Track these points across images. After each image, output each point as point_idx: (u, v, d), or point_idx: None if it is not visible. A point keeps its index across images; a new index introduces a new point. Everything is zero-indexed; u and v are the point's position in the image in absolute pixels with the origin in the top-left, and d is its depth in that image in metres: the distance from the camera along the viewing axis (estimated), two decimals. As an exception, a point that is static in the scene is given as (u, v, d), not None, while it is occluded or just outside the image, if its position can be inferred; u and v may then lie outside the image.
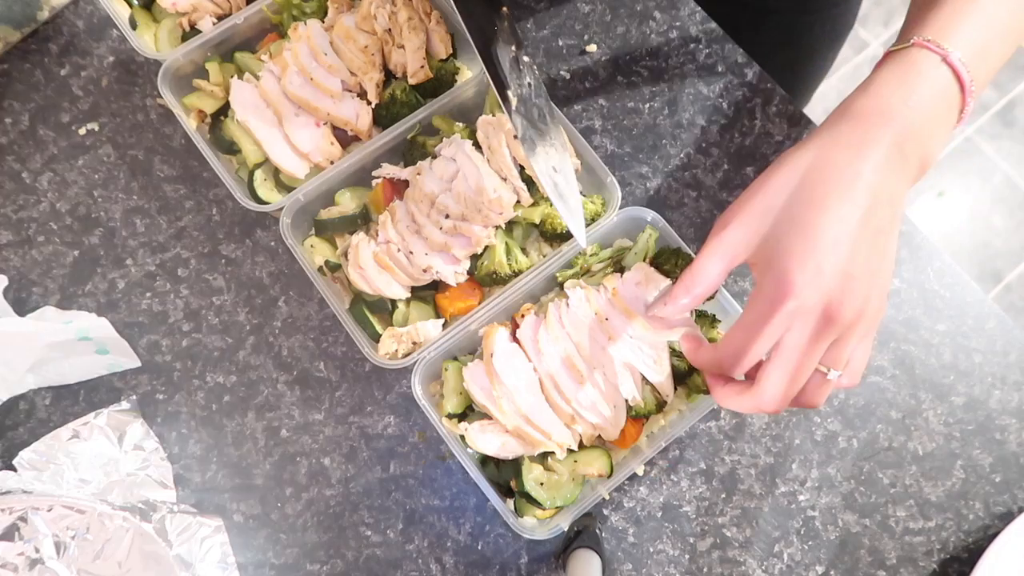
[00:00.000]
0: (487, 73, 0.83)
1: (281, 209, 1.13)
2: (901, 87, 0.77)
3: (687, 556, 1.09)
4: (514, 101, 0.83)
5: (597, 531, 1.09)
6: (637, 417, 1.06)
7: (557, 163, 0.90)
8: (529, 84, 0.84)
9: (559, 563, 1.08)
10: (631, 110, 1.29)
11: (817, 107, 2.95)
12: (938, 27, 0.79)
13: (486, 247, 1.12)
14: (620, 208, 1.12)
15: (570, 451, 1.04)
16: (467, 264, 1.12)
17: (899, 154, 0.77)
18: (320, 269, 1.14)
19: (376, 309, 1.13)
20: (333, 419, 1.16)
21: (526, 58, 0.83)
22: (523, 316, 1.07)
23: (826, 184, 0.75)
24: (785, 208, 0.76)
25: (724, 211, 0.81)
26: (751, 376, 0.82)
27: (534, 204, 1.14)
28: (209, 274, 1.22)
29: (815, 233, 0.74)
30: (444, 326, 1.12)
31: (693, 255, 1.08)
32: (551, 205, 1.13)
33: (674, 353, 1.06)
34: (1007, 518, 1.10)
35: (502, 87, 0.83)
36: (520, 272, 1.12)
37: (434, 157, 1.14)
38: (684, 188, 1.25)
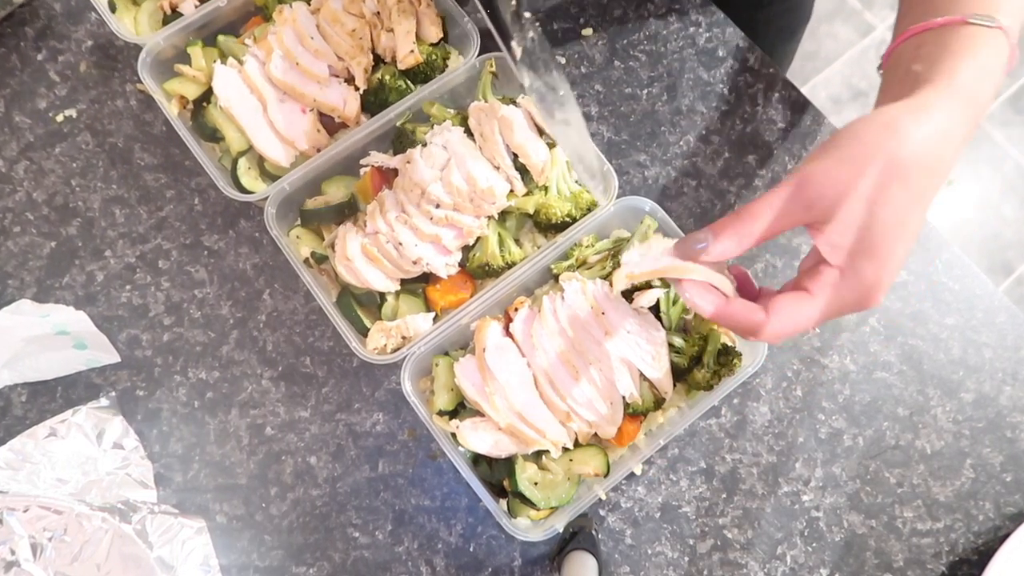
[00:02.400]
0: (488, 21, 0.82)
1: (266, 199, 1.12)
2: (976, 70, 0.78)
3: (686, 558, 1.09)
4: (519, 52, 0.82)
5: (593, 532, 1.08)
6: (635, 414, 1.05)
7: (570, 117, 0.90)
8: (532, 38, 0.83)
9: (554, 566, 1.08)
10: (628, 96, 1.28)
11: (821, 93, 2.95)
12: (979, 2, 0.80)
13: (478, 238, 1.12)
14: (617, 198, 1.11)
15: (565, 449, 1.04)
16: (458, 256, 1.13)
17: (972, 134, 0.79)
18: (306, 261, 1.13)
19: (364, 302, 1.13)
20: (319, 416, 1.15)
21: (527, 14, 0.82)
22: (517, 309, 1.07)
23: (931, 178, 0.75)
24: (888, 195, 0.73)
25: (811, 159, 0.76)
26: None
27: (528, 193, 1.13)
28: (191, 266, 1.22)
29: (910, 237, 0.75)
30: (435, 320, 1.12)
31: None
32: (546, 194, 1.12)
33: (673, 349, 1.06)
34: (1018, 519, 1.10)
35: (506, 37, 0.82)
36: (513, 264, 1.12)
37: (424, 145, 1.14)
38: (684, 177, 1.25)
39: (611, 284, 0.98)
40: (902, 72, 0.82)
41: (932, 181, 0.74)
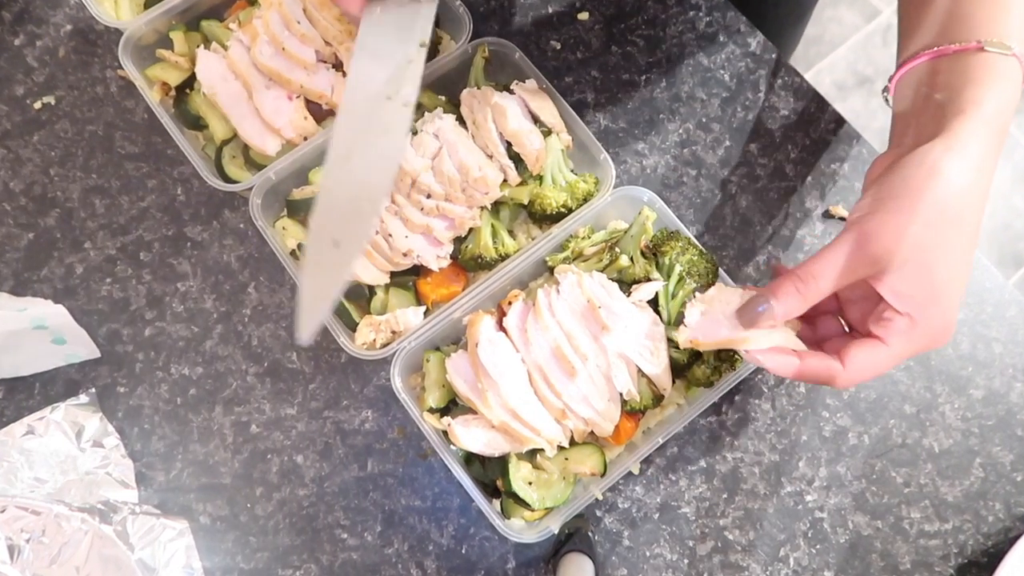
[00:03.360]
0: None
1: (251, 188, 1.11)
2: (999, 98, 0.81)
3: (686, 560, 1.08)
4: None
5: (590, 534, 1.08)
6: (632, 412, 1.05)
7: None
8: None
9: (549, 568, 1.07)
10: (626, 83, 1.27)
11: (825, 79, 2.93)
12: (990, 27, 0.83)
13: (470, 229, 1.11)
14: (614, 188, 1.11)
15: (561, 448, 1.03)
16: (450, 248, 1.12)
17: (998, 162, 0.84)
18: (293, 253, 1.13)
19: (352, 296, 1.12)
20: (306, 414, 1.14)
21: None
22: (510, 303, 1.06)
23: (977, 214, 0.80)
24: (945, 239, 0.78)
25: (867, 213, 0.80)
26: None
27: (522, 183, 1.13)
28: (174, 258, 1.21)
29: (967, 273, 0.81)
30: (425, 314, 1.11)
31: (693, 238, 1.07)
32: (541, 183, 1.12)
33: (672, 344, 1.05)
34: (1029, 520, 1.10)
35: None
36: (507, 256, 1.11)
37: (415, 133, 1.13)
38: (683, 166, 1.24)
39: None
40: (921, 100, 0.85)
41: (978, 216, 0.79)
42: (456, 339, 1.12)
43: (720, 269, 1.08)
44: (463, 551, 1.09)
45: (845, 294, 0.89)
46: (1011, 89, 0.82)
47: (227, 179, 1.15)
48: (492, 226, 1.12)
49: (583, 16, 1.31)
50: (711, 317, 0.91)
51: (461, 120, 1.14)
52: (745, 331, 0.87)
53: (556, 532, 1.02)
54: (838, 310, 0.92)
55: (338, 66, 1.18)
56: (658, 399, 1.05)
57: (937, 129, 0.80)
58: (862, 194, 0.83)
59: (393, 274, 1.12)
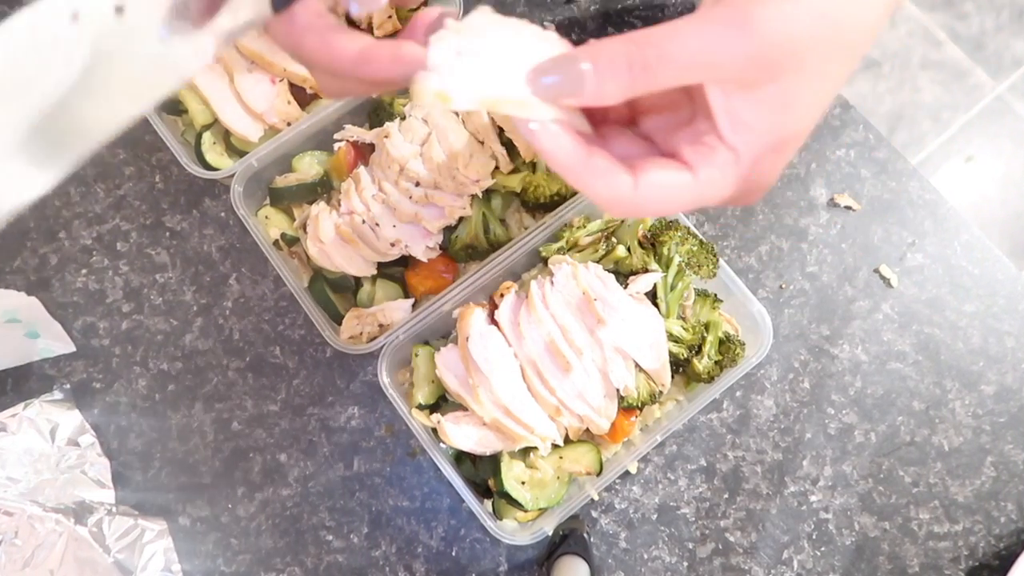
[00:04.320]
0: None
1: (232, 176, 1.11)
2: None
3: (685, 563, 1.08)
4: None
5: (585, 535, 1.07)
6: (629, 408, 1.04)
7: None
8: None
9: (543, 571, 1.06)
10: None
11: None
12: None
13: (461, 218, 1.11)
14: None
15: (555, 446, 1.03)
16: (440, 237, 1.11)
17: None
18: (276, 243, 1.13)
19: (338, 288, 1.12)
20: (290, 410, 1.14)
21: None
22: (502, 296, 1.05)
23: (855, 58, 0.59)
24: (830, 67, 0.57)
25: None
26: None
27: (515, 170, 1.12)
28: (152, 248, 1.20)
29: (811, 127, 0.61)
30: (414, 307, 1.11)
31: (692, 227, 1.07)
32: (534, 171, 1.11)
33: (671, 337, 1.04)
34: (1042, 521, 1.09)
35: None
36: (499, 246, 1.10)
37: (403, 118, 1.12)
38: (683, 153, 1.22)
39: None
40: None
41: (854, 64, 0.60)
42: (446, 333, 1.12)
43: (721, 260, 1.07)
44: (453, 553, 1.09)
45: (648, 99, 0.64)
46: None
47: (207, 166, 1.14)
48: (483, 215, 1.11)
49: (579, -3, 1.29)
50: (474, 61, 0.56)
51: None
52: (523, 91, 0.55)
53: (550, 534, 1.03)
54: (630, 120, 0.66)
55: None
56: (656, 395, 1.05)
57: None
58: None
59: (380, 265, 1.11)
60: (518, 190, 1.12)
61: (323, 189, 1.14)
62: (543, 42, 0.56)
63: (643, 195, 0.57)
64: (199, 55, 0.51)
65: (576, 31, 1.27)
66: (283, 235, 1.13)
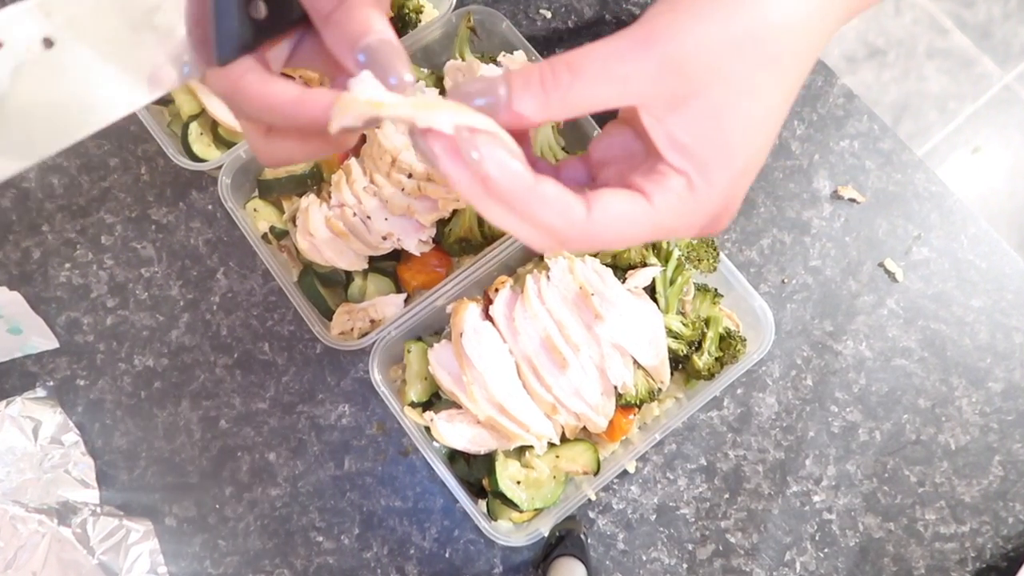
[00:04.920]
0: None
1: (220, 168, 1.10)
2: None
3: (685, 565, 1.08)
4: None
5: (582, 537, 1.07)
6: (628, 406, 1.04)
7: None
8: None
9: (539, 573, 1.06)
10: None
11: (833, 50, 2.90)
12: None
13: (455, 211, 1.10)
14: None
15: (551, 445, 1.02)
16: (433, 231, 1.11)
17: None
18: (264, 236, 1.12)
19: (328, 282, 1.12)
20: (279, 408, 1.14)
21: None
22: (497, 290, 1.05)
23: (796, 66, 0.60)
24: (754, 74, 0.57)
25: (664, 10, 0.55)
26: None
27: (510, 161, 1.09)
28: (137, 242, 1.20)
29: (768, 143, 0.61)
30: (406, 302, 1.11)
31: None
32: None
33: (670, 333, 1.04)
34: (1052, 522, 1.09)
35: None
36: (494, 240, 1.10)
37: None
38: (683, 143, 1.21)
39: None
40: None
41: (799, 74, 0.59)
42: (439, 329, 1.11)
43: (721, 254, 1.07)
44: (446, 555, 1.09)
45: (601, 152, 0.64)
46: None
47: (194, 158, 1.14)
48: None
49: (576, -17, 1.29)
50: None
51: (444, 94, 1.09)
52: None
53: (546, 535, 1.02)
54: (587, 176, 0.65)
55: (314, 35, 1.16)
56: (655, 392, 1.04)
57: None
58: None
59: (372, 259, 1.11)
60: (513, 182, 1.10)
61: (313, 181, 1.13)
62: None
63: (598, 224, 0.55)
64: (129, 101, 0.53)
65: (573, 18, 1.27)
66: (272, 228, 1.12)
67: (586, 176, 0.64)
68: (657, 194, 0.56)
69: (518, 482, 1.02)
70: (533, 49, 1.14)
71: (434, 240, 1.11)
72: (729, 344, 1.05)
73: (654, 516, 1.10)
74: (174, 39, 0.53)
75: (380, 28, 0.55)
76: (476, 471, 1.04)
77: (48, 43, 0.46)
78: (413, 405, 1.04)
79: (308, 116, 0.54)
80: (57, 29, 0.46)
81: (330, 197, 1.09)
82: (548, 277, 1.03)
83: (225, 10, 0.53)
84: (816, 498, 1.10)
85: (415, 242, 1.09)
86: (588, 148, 0.63)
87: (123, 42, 0.51)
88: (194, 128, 1.15)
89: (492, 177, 0.51)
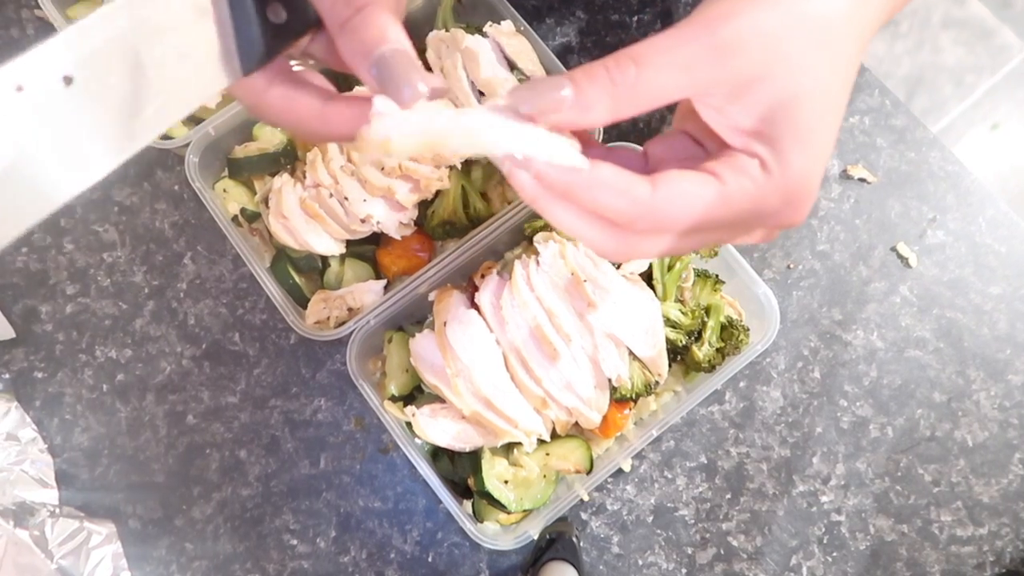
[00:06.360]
0: None
1: (187, 145, 1.09)
2: None
3: (684, 570, 1.08)
4: None
5: (574, 540, 1.06)
6: (623, 400, 1.03)
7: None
8: None
9: None
10: (616, 24, 1.24)
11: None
12: None
13: (438, 192, 1.10)
14: (603, 143, 1.06)
15: (541, 442, 1.02)
16: (414, 213, 1.10)
17: None
18: (235, 219, 1.11)
19: (303, 268, 1.11)
20: (251, 402, 1.14)
21: None
22: (483, 277, 1.05)
23: (850, 56, 0.64)
24: (818, 60, 0.59)
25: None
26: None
27: (497, 139, 1.08)
28: (99, 225, 1.19)
29: (835, 130, 0.63)
30: (386, 289, 1.10)
31: None
32: None
33: (668, 322, 1.03)
34: (1074, 524, 1.09)
35: None
36: (479, 222, 1.09)
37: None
38: (683, 120, 1.20)
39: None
40: None
41: (854, 65, 0.61)
42: (421, 318, 1.11)
43: (724, 238, 1.04)
44: (429, 559, 1.09)
45: (659, 152, 0.65)
46: None
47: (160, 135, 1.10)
48: (462, 188, 1.10)
49: (569, -51, 1.28)
50: (419, 107, 0.55)
51: (427, 67, 1.11)
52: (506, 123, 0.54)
53: (536, 538, 1.02)
54: (644, 169, 0.63)
55: (287, 4, 1.14)
56: (652, 386, 1.03)
57: None
58: None
59: (349, 243, 1.11)
60: (500, 160, 1.09)
61: (287, 160, 1.12)
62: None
63: (665, 202, 0.55)
64: (151, 127, 0.53)
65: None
66: (243, 210, 1.11)
67: (644, 169, 0.61)
68: (729, 175, 0.57)
69: (506, 481, 1.01)
70: (521, 19, 1.12)
71: (416, 223, 1.11)
72: (731, 334, 1.05)
73: (651, 518, 1.09)
74: (195, 59, 0.54)
75: (394, 37, 0.55)
76: (461, 470, 1.03)
77: (68, 80, 0.48)
78: (393, 399, 1.04)
79: (333, 132, 0.58)
80: (77, 66, 0.47)
81: (305, 177, 1.08)
82: (538, 263, 1.02)
83: (244, 19, 0.55)
84: (824, 498, 1.10)
85: (395, 225, 1.08)
86: (644, 146, 0.64)
87: (145, 68, 0.53)
88: (159, 103, 1.12)
89: (544, 173, 0.54)
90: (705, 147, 0.61)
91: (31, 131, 0.47)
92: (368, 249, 1.12)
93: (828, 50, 0.58)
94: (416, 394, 1.06)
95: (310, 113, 0.58)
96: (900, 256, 1.15)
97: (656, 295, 1.04)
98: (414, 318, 1.10)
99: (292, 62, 0.63)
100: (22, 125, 0.48)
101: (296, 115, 0.59)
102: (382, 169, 1.06)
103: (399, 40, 0.55)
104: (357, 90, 0.96)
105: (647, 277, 1.05)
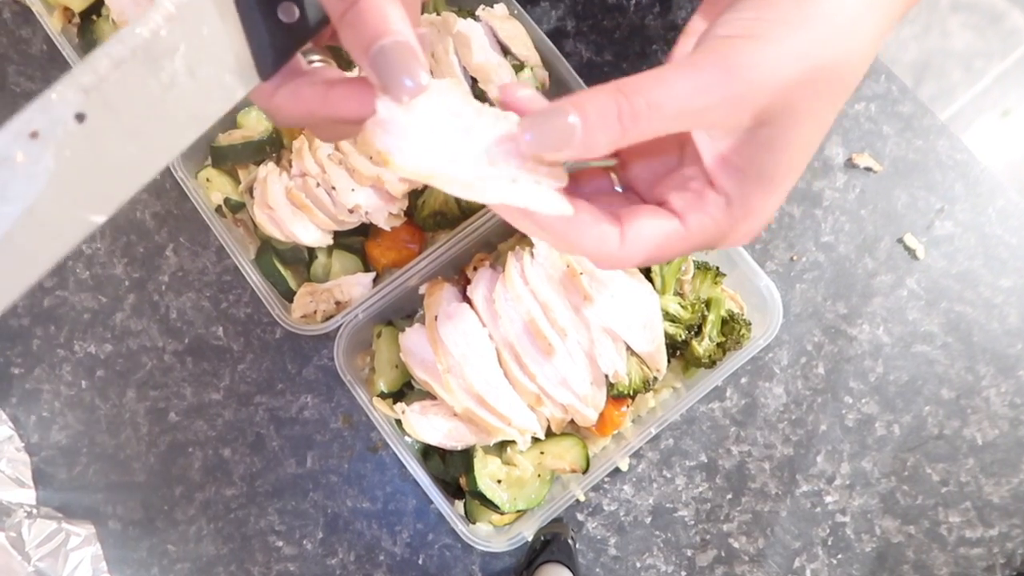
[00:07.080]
0: None
1: None
2: None
3: (683, 572, 1.08)
4: None
5: (569, 541, 1.06)
6: (620, 397, 1.02)
7: None
8: None
9: None
10: (612, 7, 1.23)
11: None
12: None
13: None
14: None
15: (535, 440, 1.02)
16: (404, 203, 1.09)
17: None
18: (218, 209, 1.11)
19: (289, 260, 1.11)
20: (235, 399, 1.13)
21: None
22: (476, 269, 1.05)
23: (848, 91, 0.64)
24: (821, 104, 0.61)
25: (739, 22, 0.59)
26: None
27: (490, 126, 1.07)
28: None
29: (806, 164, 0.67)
30: (375, 282, 1.10)
31: None
32: None
33: (667, 316, 1.02)
34: (1087, 525, 1.08)
35: None
36: (472, 213, 1.09)
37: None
38: (682, 107, 1.19)
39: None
40: None
41: (844, 98, 0.63)
42: (411, 312, 1.10)
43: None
44: (420, 562, 1.09)
45: (639, 169, 0.69)
46: None
47: (140, 121, 1.09)
48: None
49: (564, -69, 1.28)
50: (424, 129, 0.56)
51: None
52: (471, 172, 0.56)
53: (530, 539, 1.01)
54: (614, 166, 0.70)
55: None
56: (650, 382, 1.03)
57: None
58: None
59: (337, 234, 1.10)
60: (494, 148, 1.08)
61: (272, 148, 1.11)
62: (502, 121, 0.58)
63: (631, 248, 0.61)
64: (169, 149, 0.54)
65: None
66: (226, 200, 1.10)
67: (608, 183, 0.69)
68: (692, 216, 0.61)
69: (499, 481, 1.01)
70: (515, 2, 1.12)
71: (406, 213, 1.10)
72: (732, 328, 1.04)
73: (649, 518, 1.09)
74: (208, 73, 0.54)
75: (396, 28, 0.55)
76: (452, 469, 1.03)
77: (80, 117, 0.48)
78: (383, 396, 1.03)
79: (339, 115, 0.58)
80: (89, 102, 0.48)
81: (291, 165, 1.08)
82: (532, 255, 1.01)
83: (256, 24, 0.54)
84: (828, 499, 1.09)
85: (385, 215, 1.07)
86: (621, 155, 0.68)
87: (157, 92, 0.53)
88: (140, 89, 1.11)
89: (532, 217, 0.59)
90: (683, 152, 0.65)
91: (49, 174, 0.48)
92: (356, 240, 1.11)
93: (837, 100, 0.61)
94: (406, 391, 1.06)
95: (316, 102, 0.58)
96: (907, 248, 1.13)
97: (654, 288, 1.03)
98: (404, 312, 1.09)
99: (313, 57, 0.64)
100: (41, 170, 0.48)
101: (304, 108, 0.59)
102: (371, 158, 1.05)
103: (400, 31, 0.54)
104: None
105: (645, 270, 1.04)
